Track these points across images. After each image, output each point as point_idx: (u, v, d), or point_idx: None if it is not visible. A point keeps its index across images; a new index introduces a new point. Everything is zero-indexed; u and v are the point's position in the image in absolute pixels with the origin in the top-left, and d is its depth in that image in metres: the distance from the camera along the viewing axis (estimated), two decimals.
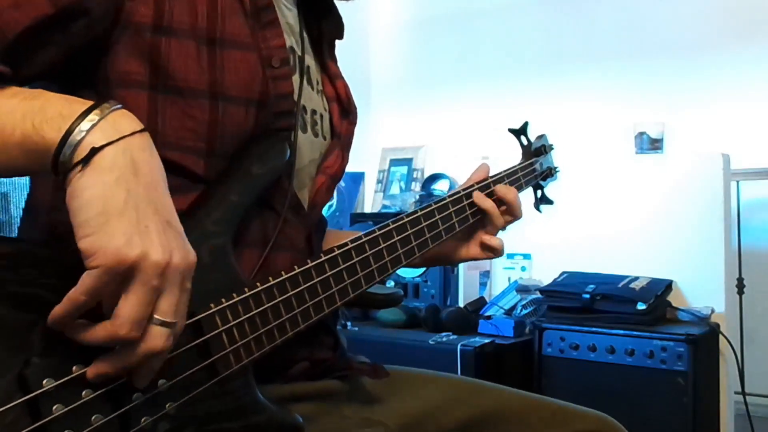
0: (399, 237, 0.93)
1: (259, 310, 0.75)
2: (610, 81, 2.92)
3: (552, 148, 1.33)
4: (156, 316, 0.61)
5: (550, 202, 1.30)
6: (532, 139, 1.30)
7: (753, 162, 2.62)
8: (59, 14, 0.73)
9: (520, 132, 1.29)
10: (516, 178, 1.20)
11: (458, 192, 1.07)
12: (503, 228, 1.12)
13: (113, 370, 0.62)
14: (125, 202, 0.61)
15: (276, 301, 0.77)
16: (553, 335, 2.28)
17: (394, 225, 0.93)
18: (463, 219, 1.06)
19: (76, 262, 0.60)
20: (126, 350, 0.62)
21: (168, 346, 0.63)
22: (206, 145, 0.81)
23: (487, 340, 2.24)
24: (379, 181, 3.30)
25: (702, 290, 2.44)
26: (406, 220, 0.95)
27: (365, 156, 3.28)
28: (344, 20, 1.06)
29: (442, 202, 1.03)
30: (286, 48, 0.89)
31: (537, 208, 1.33)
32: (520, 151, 1.31)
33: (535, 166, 1.27)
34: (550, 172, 1.33)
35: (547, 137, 1.33)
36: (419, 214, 0.98)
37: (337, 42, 1.07)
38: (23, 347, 0.61)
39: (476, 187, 1.09)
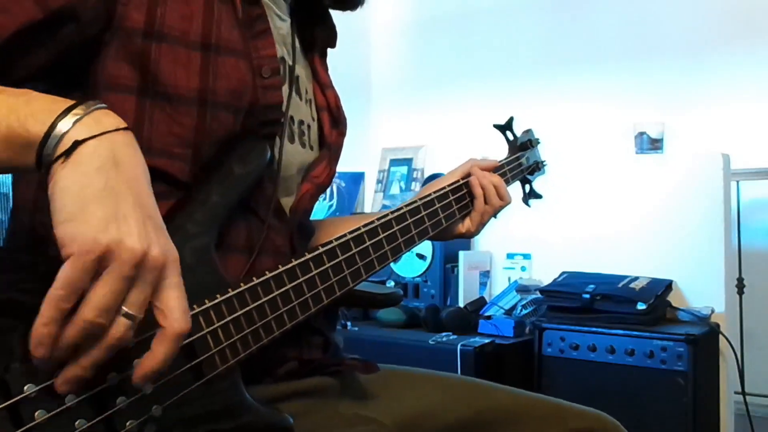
0: (384, 234, 0.93)
1: (244, 310, 0.75)
2: (610, 81, 2.92)
3: (539, 142, 1.33)
4: (122, 307, 0.60)
5: (538, 196, 1.30)
6: (518, 133, 1.30)
7: (753, 162, 2.61)
8: (48, 19, 0.73)
9: (505, 127, 1.30)
10: (502, 173, 1.20)
11: (443, 188, 1.08)
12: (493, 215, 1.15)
13: (80, 369, 0.61)
14: (104, 189, 0.61)
15: (261, 301, 0.76)
16: (553, 335, 2.28)
17: (380, 222, 0.93)
18: (450, 214, 1.08)
19: (55, 267, 0.59)
20: (89, 343, 0.60)
21: (128, 338, 0.61)
22: (192, 152, 0.81)
23: (487, 340, 2.24)
24: (379, 181, 3.30)
25: (702, 290, 2.44)
26: (391, 216, 0.95)
27: (365, 156, 3.28)
28: (344, 21, 1.06)
29: (428, 198, 1.03)
30: (276, 58, 0.89)
31: (525, 202, 1.33)
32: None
33: (521, 161, 1.27)
34: (537, 166, 1.33)
35: (534, 131, 1.33)
36: (404, 210, 0.98)
37: (338, 42, 1.07)
38: (3, 352, 0.60)
39: (461, 182, 1.11)
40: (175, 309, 0.63)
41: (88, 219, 0.59)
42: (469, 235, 1.15)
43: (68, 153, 0.61)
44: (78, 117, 0.63)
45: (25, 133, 0.63)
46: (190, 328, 0.64)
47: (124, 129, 0.65)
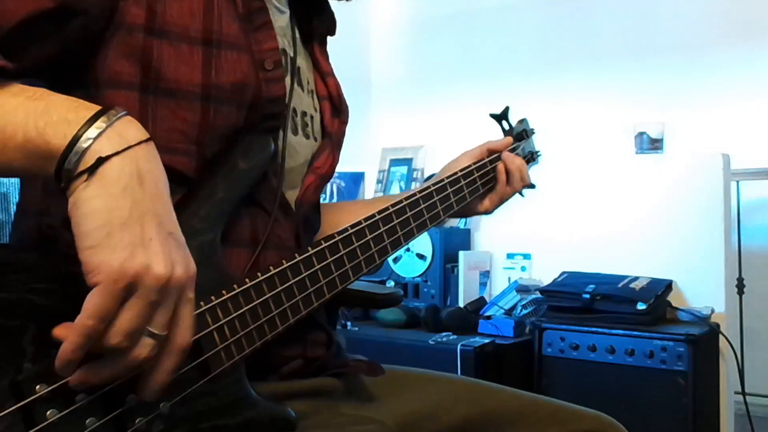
0: (385, 227, 0.93)
1: (249, 306, 0.75)
2: (610, 81, 2.92)
3: (533, 133, 1.33)
4: (148, 328, 0.61)
5: (532, 186, 1.30)
6: (514, 123, 1.30)
7: (753, 162, 2.62)
8: (58, 10, 0.72)
9: (501, 117, 1.30)
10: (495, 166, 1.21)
11: (442, 180, 1.07)
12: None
13: (98, 378, 0.61)
14: (130, 213, 0.60)
15: (265, 296, 0.77)
16: (553, 335, 2.28)
17: (380, 216, 0.93)
18: (449, 206, 1.07)
19: (64, 266, 0.59)
20: (112, 359, 0.61)
21: (152, 356, 0.62)
22: (196, 147, 0.80)
23: (487, 340, 2.24)
24: (379, 181, 3.30)
25: (702, 290, 2.44)
26: (391, 210, 0.95)
27: (365, 156, 3.28)
28: (345, 20, 1.06)
29: (427, 191, 1.03)
30: (278, 50, 0.89)
31: (520, 192, 1.33)
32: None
33: (516, 151, 1.27)
34: (532, 157, 1.33)
35: (528, 121, 1.33)
36: (404, 203, 0.97)
37: (338, 42, 1.07)
38: (15, 353, 0.60)
39: (457, 175, 1.11)
40: (186, 324, 0.64)
41: (115, 246, 0.59)
42: (486, 213, 1.21)
43: (92, 170, 0.60)
44: (101, 130, 0.61)
45: (44, 145, 0.61)
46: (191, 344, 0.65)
47: (146, 141, 0.64)
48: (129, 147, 0.62)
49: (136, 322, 0.60)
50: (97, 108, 0.64)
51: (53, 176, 0.62)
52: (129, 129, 0.64)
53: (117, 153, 0.61)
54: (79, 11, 0.74)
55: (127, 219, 0.60)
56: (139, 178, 0.62)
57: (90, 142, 0.61)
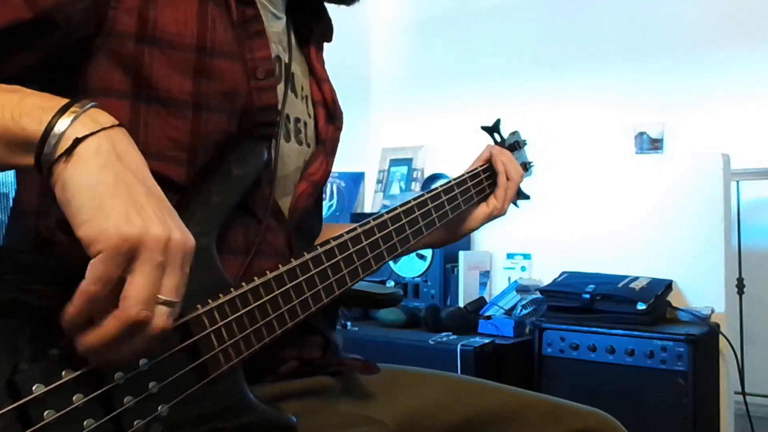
0: (381, 234, 0.93)
1: (246, 309, 0.76)
2: (610, 81, 2.92)
3: (525, 143, 1.34)
4: (159, 295, 0.61)
5: (526, 197, 1.30)
6: (505, 135, 1.31)
7: (753, 162, 2.62)
8: (37, 20, 0.72)
9: (492, 129, 1.30)
10: (490, 174, 1.21)
11: (436, 188, 1.08)
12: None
13: (120, 356, 0.61)
14: (115, 183, 0.61)
15: (262, 300, 0.77)
16: (553, 335, 2.28)
17: (375, 222, 0.93)
18: (443, 215, 1.08)
19: (61, 267, 0.59)
20: (133, 334, 0.61)
21: (170, 325, 0.62)
22: (188, 155, 0.81)
23: (487, 340, 2.24)
24: (379, 181, 3.30)
25: (702, 290, 2.44)
26: (386, 217, 0.95)
27: (365, 156, 3.28)
28: (344, 20, 1.07)
29: (422, 199, 1.04)
30: (271, 59, 0.89)
31: (514, 203, 1.33)
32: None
33: None
34: (525, 167, 1.33)
35: (520, 133, 1.33)
36: (399, 210, 0.98)
37: (338, 41, 1.07)
38: (11, 353, 0.60)
39: (451, 183, 1.11)
40: (180, 293, 0.64)
41: (110, 214, 0.59)
42: (498, 213, 1.18)
43: (69, 152, 0.61)
44: (75, 115, 0.63)
45: (21, 132, 0.63)
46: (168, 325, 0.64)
47: (119, 125, 0.65)
48: (103, 129, 0.63)
49: (149, 288, 0.60)
50: (67, 99, 0.65)
51: (33, 165, 0.62)
52: (101, 115, 0.65)
53: (92, 133, 0.62)
54: (59, 22, 0.74)
55: (114, 189, 0.61)
56: (117, 155, 0.63)
57: (66, 125, 0.62)
